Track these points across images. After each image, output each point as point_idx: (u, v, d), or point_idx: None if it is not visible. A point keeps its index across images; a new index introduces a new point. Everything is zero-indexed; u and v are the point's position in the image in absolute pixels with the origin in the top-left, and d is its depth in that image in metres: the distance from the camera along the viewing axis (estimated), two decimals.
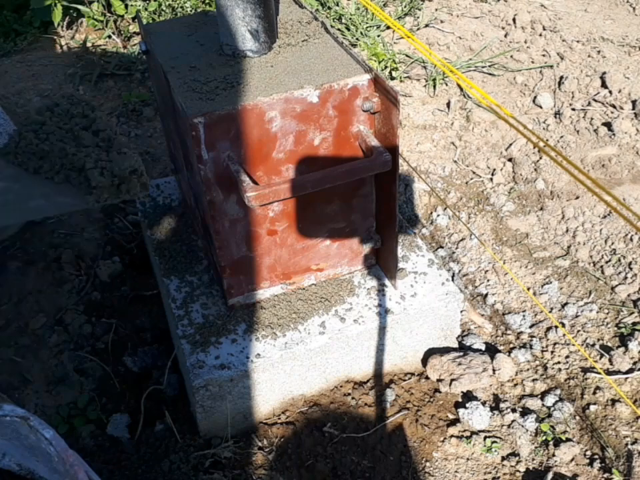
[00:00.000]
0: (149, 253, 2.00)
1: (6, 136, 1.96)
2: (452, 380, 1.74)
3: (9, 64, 3.25)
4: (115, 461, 1.65)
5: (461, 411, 1.71)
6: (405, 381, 1.80)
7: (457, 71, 1.36)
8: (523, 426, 1.68)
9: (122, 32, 3.43)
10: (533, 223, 2.31)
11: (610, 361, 1.83)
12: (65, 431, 1.70)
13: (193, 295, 1.74)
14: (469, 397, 1.76)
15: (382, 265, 1.76)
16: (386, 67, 3.01)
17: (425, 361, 1.80)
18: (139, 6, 3.43)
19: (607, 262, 2.12)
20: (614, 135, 2.58)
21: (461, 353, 1.79)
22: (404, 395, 1.77)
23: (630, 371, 1.79)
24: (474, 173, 2.54)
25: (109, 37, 3.42)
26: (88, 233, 2.26)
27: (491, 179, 2.49)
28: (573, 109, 2.75)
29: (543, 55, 3.11)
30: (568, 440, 1.65)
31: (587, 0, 3.56)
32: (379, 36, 3.22)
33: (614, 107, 2.71)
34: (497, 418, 1.71)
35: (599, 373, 1.78)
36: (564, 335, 1.90)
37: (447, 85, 2.96)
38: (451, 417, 1.73)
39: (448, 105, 2.85)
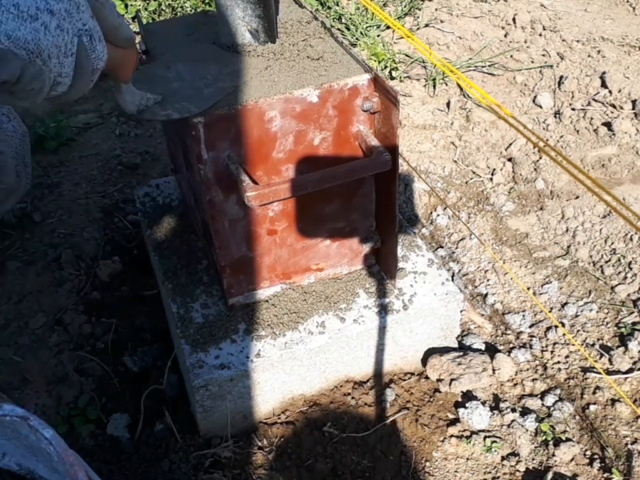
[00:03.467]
0: (149, 252, 2.00)
1: (16, 139, 1.96)
2: (452, 380, 1.74)
3: None
4: (115, 460, 1.64)
5: (461, 410, 1.71)
6: (404, 380, 1.80)
7: (457, 71, 1.36)
8: (522, 426, 1.68)
9: None
10: (533, 223, 2.31)
11: (610, 360, 1.83)
12: (64, 431, 1.70)
13: (193, 295, 1.74)
14: (468, 396, 1.76)
15: (382, 264, 1.76)
16: (386, 67, 3.01)
17: (424, 361, 1.80)
18: (139, 6, 3.43)
19: (606, 262, 2.12)
20: (614, 134, 2.58)
21: (461, 353, 1.79)
22: (404, 394, 1.77)
23: (630, 370, 1.79)
24: (474, 172, 2.54)
25: None
26: (88, 232, 2.26)
27: (491, 179, 2.49)
28: (573, 109, 2.75)
29: (543, 55, 3.11)
30: (568, 440, 1.65)
31: (586, 0, 3.56)
32: (378, 36, 3.22)
33: (614, 106, 2.71)
34: (497, 418, 1.71)
35: (599, 373, 1.78)
36: (564, 334, 1.90)
37: (446, 84, 2.96)
38: (451, 416, 1.73)
39: (448, 104, 2.85)
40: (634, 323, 1.90)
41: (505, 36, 3.27)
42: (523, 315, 1.99)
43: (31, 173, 2.11)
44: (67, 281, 2.08)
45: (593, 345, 1.88)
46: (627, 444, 1.63)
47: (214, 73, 1.45)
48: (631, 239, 2.16)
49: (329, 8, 3.41)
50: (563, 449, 1.63)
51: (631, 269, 2.06)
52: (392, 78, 3.00)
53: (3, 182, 1.95)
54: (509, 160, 2.56)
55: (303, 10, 1.69)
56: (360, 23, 3.25)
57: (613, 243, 2.16)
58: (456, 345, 1.87)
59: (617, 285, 2.03)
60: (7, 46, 0.83)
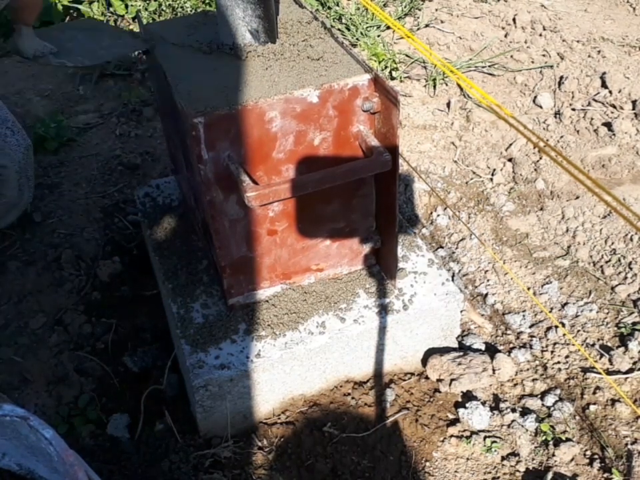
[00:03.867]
0: (149, 252, 2.00)
1: (19, 153, 1.97)
2: (452, 380, 1.74)
3: (8, 64, 3.25)
4: (114, 460, 1.64)
5: (461, 410, 1.71)
6: (404, 380, 1.80)
7: (457, 71, 1.36)
8: (522, 426, 1.68)
9: None
10: (533, 223, 2.31)
11: (610, 360, 1.83)
12: (64, 431, 1.70)
13: (193, 295, 1.74)
14: (468, 396, 1.76)
15: (382, 264, 1.76)
16: (386, 67, 3.01)
17: (424, 361, 1.80)
18: (139, 6, 3.43)
19: (607, 262, 2.12)
20: (614, 134, 2.58)
21: (461, 353, 1.79)
22: (404, 394, 1.77)
23: (630, 370, 1.79)
24: (474, 172, 2.54)
25: None
26: (88, 233, 2.26)
27: (491, 179, 2.49)
28: (573, 109, 2.75)
29: (543, 55, 3.11)
30: (568, 440, 1.65)
31: (586, 0, 3.56)
32: (378, 36, 3.22)
33: (614, 106, 2.71)
34: (497, 418, 1.71)
35: (599, 373, 1.78)
36: (564, 334, 1.90)
37: (446, 85, 2.96)
38: (451, 416, 1.73)
39: (448, 105, 2.85)
40: (634, 323, 1.90)
41: (505, 36, 3.27)
42: (523, 315, 1.99)
43: (33, 185, 2.12)
44: (67, 281, 2.08)
45: (593, 345, 1.88)
46: (627, 444, 1.63)
47: (107, 43, 1.61)
48: (631, 239, 2.16)
49: (329, 8, 3.42)
50: (562, 449, 1.63)
51: (631, 269, 2.06)
52: (392, 78, 3.00)
53: (5, 196, 1.95)
54: (509, 160, 2.56)
55: (303, 10, 1.69)
56: (360, 23, 3.25)
57: (613, 243, 2.16)
58: (456, 345, 1.87)
59: (617, 285, 2.03)
60: None
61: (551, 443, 1.65)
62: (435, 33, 3.30)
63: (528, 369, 1.84)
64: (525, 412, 1.72)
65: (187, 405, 1.74)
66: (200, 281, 1.78)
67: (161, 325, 1.95)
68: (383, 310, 1.69)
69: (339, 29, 3.28)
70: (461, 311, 1.86)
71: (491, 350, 1.89)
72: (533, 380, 1.81)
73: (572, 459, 1.62)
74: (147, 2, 3.46)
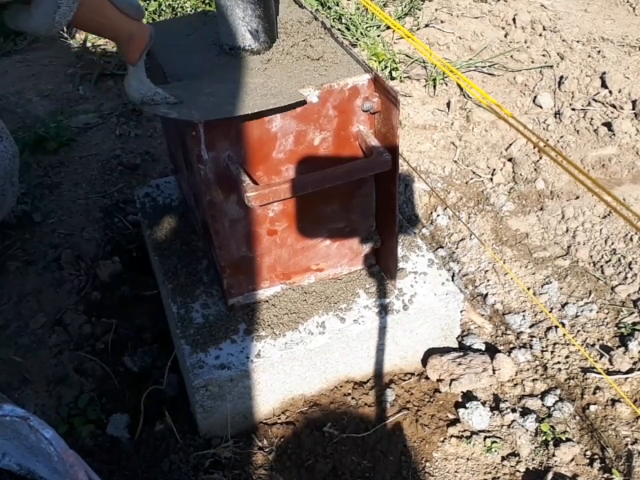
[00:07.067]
0: (149, 253, 2.00)
1: (6, 160, 1.97)
2: (452, 380, 1.74)
3: (8, 64, 3.25)
4: (114, 461, 1.64)
5: (461, 410, 1.71)
6: (405, 380, 1.80)
7: (457, 71, 1.36)
8: (523, 426, 1.68)
9: None
10: (533, 223, 2.31)
11: (610, 361, 1.83)
12: (64, 431, 1.70)
13: (193, 295, 1.74)
14: (469, 397, 1.76)
15: (382, 264, 1.76)
16: (386, 67, 3.01)
17: (424, 361, 1.80)
18: None
19: (607, 262, 2.12)
20: (614, 135, 2.58)
21: (461, 353, 1.79)
22: (404, 395, 1.77)
23: (630, 371, 1.79)
24: (474, 173, 2.54)
25: None
26: (88, 233, 2.26)
27: (491, 179, 2.49)
28: (573, 109, 2.75)
29: (543, 55, 3.11)
30: (568, 440, 1.65)
31: (586, 0, 3.56)
32: (378, 36, 3.22)
33: (614, 107, 2.71)
34: (497, 418, 1.71)
35: (599, 373, 1.78)
36: (564, 335, 1.90)
37: (446, 85, 2.96)
38: (451, 417, 1.73)
39: (448, 105, 2.85)
40: (634, 323, 1.90)
41: (505, 36, 3.27)
42: (523, 315, 1.99)
43: (17, 191, 2.12)
44: (66, 281, 2.08)
45: (593, 345, 1.88)
46: (627, 444, 1.63)
47: (263, 92, 1.37)
48: (631, 239, 2.16)
49: (329, 8, 3.41)
50: (563, 449, 1.63)
51: (631, 269, 2.06)
52: (392, 78, 3.00)
53: None
54: (509, 160, 2.56)
55: (302, 10, 1.69)
56: (360, 23, 3.25)
57: (613, 243, 2.16)
58: (456, 345, 1.87)
59: (617, 285, 2.03)
60: None
61: (551, 443, 1.65)
62: (434, 33, 3.30)
63: (528, 369, 1.84)
64: (525, 412, 1.72)
65: (187, 405, 1.74)
66: (200, 281, 1.78)
67: (161, 325, 1.95)
68: (383, 310, 1.69)
69: (338, 29, 3.28)
70: (461, 311, 1.86)
71: (491, 350, 1.89)
72: (533, 380, 1.81)
73: (572, 459, 1.62)
74: (147, 2, 3.46)
